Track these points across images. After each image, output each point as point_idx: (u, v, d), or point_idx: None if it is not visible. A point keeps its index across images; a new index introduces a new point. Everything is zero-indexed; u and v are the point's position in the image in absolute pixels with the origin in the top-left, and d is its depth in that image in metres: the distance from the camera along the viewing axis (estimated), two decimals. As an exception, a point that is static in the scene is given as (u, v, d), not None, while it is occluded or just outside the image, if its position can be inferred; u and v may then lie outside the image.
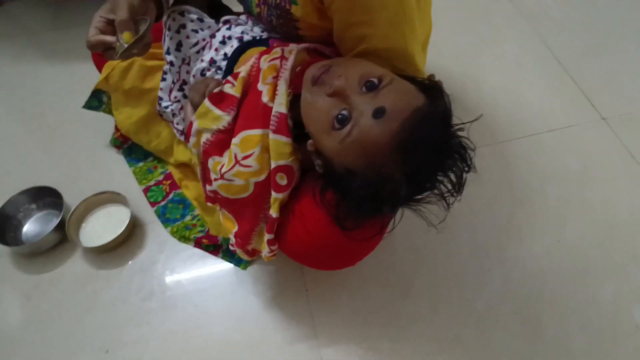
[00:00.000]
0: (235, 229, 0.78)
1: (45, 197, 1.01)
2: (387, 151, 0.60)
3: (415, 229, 0.95)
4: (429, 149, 0.60)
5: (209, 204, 0.83)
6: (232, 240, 0.80)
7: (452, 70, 1.24)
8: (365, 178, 0.62)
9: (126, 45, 0.69)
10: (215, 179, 0.74)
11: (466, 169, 0.66)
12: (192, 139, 0.77)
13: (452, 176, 0.65)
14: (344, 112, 0.62)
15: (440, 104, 0.65)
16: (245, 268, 0.93)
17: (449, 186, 0.66)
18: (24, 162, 1.12)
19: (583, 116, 1.13)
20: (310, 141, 0.68)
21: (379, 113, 0.60)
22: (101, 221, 0.99)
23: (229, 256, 0.95)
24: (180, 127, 0.92)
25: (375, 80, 0.62)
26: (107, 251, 0.96)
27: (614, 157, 1.05)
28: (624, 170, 1.03)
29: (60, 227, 0.95)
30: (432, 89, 0.67)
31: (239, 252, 0.82)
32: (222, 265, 0.94)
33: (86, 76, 0.92)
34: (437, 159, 0.62)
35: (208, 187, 0.78)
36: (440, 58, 1.24)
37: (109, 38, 0.70)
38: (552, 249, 0.93)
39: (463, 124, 0.68)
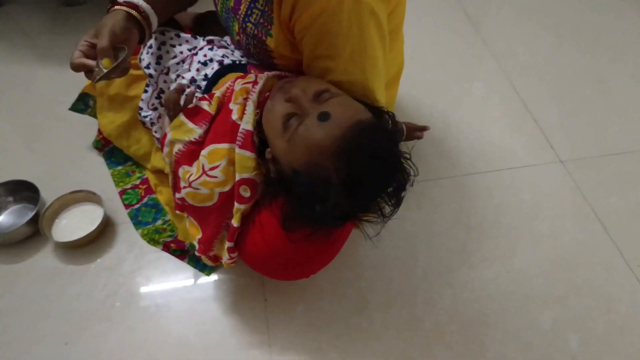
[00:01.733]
0: (199, 235, 0.83)
1: (23, 191, 1.05)
2: (327, 153, 0.66)
3: (374, 246, 1.01)
4: (367, 157, 0.66)
5: (177, 211, 0.88)
6: (196, 246, 0.84)
7: (422, 101, 1.31)
8: (306, 178, 0.68)
9: (105, 71, 0.76)
10: (184, 187, 0.79)
11: (403, 184, 0.72)
12: (166, 149, 0.83)
13: (391, 190, 0.71)
14: (293, 115, 0.70)
15: (384, 122, 0.73)
16: (209, 274, 0.97)
17: (388, 201, 0.72)
18: (6, 156, 1.16)
19: (542, 156, 1.20)
20: (268, 149, 0.74)
21: (323, 116, 0.67)
22: (75, 218, 1.03)
23: (194, 262, 0.99)
24: (157, 135, 0.97)
25: (327, 94, 0.71)
26: (78, 247, 1.00)
27: (566, 195, 1.12)
28: (573, 208, 1.10)
29: (34, 220, 0.99)
30: (380, 112, 0.74)
31: (202, 257, 0.86)
32: (187, 270, 0.98)
33: (76, 80, 0.98)
34: (375, 168, 0.67)
35: (177, 195, 0.83)
36: (412, 89, 1.32)
37: (90, 62, 0.77)
38: (500, 276, 0.98)
39: (407, 153, 0.75)
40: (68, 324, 0.90)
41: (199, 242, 0.84)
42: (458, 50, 1.50)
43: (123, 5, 0.81)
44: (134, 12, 0.81)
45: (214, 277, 0.97)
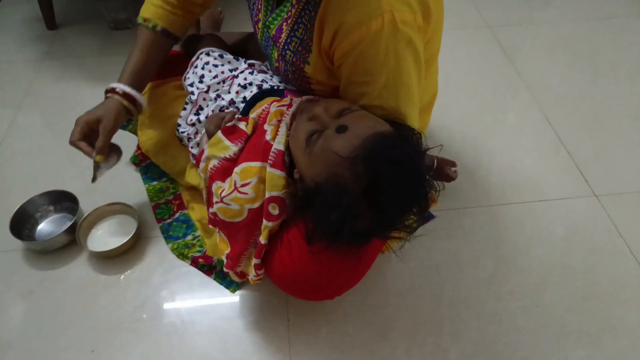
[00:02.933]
0: (228, 250, 0.85)
1: (63, 201, 1.10)
2: (345, 162, 0.66)
3: (402, 272, 1.00)
4: (386, 163, 0.65)
5: (210, 226, 0.90)
6: (225, 261, 0.86)
7: (454, 130, 1.32)
8: (327, 188, 0.68)
9: (100, 167, 0.95)
10: (216, 202, 0.81)
11: (426, 197, 0.71)
12: (202, 164, 0.85)
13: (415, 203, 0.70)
14: (317, 131, 0.72)
15: (406, 135, 0.73)
16: (234, 291, 0.98)
17: (412, 214, 0.71)
18: (50, 168, 1.22)
19: (575, 190, 1.18)
20: (296, 169, 0.76)
21: (341, 128, 0.69)
22: (109, 229, 1.06)
23: (221, 278, 1.00)
24: (194, 151, 1.00)
25: (348, 111, 0.73)
26: (110, 258, 1.03)
27: (600, 230, 1.09)
28: (608, 244, 1.06)
29: (72, 230, 1.03)
30: (404, 126, 0.76)
31: (230, 273, 0.88)
32: (212, 286, 1.00)
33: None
34: (395, 174, 0.65)
35: (210, 210, 0.85)
36: (444, 118, 1.33)
37: (86, 150, 0.91)
38: (530, 309, 0.96)
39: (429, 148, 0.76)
40: (96, 332, 0.92)
41: (228, 257, 0.85)
42: (492, 81, 1.50)
43: (123, 98, 0.93)
44: (130, 107, 0.94)
45: (238, 294, 0.98)
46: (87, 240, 1.04)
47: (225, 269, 0.87)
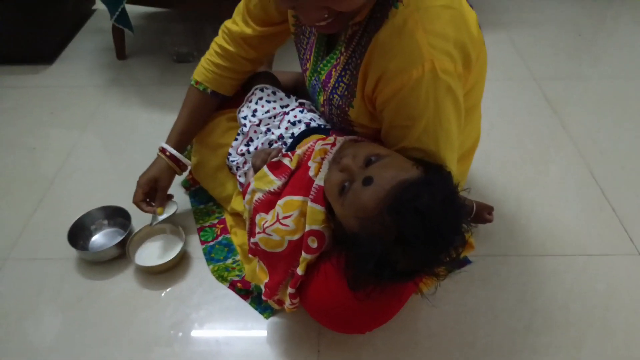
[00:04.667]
0: (267, 280, 0.89)
1: (117, 216, 1.17)
2: (375, 213, 0.69)
3: (435, 314, 1.00)
4: (411, 213, 0.67)
5: (250, 255, 0.94)
6: (263, 289, 0.90)
7: (495, 178, 1.32)
8: (362, 240, 0.71)
9: (159, 218, 1.10)
10: (258, 232, 0.86)
11: (459, 240, 0.72)
12: (247, 197, 0.91)
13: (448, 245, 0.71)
14: (346, 183, 0.74)
15: (435, 180, 0.72)
16: (268, 317, 1.01)
17: (445, 258, 0.72)
18: (108, 185, 1.31)
19: (619, 247, 1.15)
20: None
21: (367, 181, 0.71)
22: (157, 247, 1.12)
23: (256, 304, 1.03)
24: (241, 180, 1.06)
25: (374, 158, 0.75)
26: (155, 274, 1.08)
27: (645, 290, 1.06)
28: (653, 305, 1.03)
29: (122, 244, 1.10)
30: (435, 169, 0.76)
31: (269, 301, 0.91)
32: (248, 311, 1.02)
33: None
34: (420, 222, 0.67)
35: (252, 240, 0.89)
36: (486, 165, 1.34)
37: (148, 209, 1.09)
38: (566, 366, 0.93)
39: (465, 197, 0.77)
40: (134, 344, 0.96)
41: (266, 286, 0.89)
42: (536, 132, 1.51)
43: (170, 160, 1.09)
44: (175, 168, 1.10)
45: (272, 320, 1.01)
46: (135, 255, 1.10)
47: (263, 297, 0.90)
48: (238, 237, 1.14)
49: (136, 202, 1.09)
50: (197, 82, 1.09)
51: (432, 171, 0.75)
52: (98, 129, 1.54)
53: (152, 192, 1.10)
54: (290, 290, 0.85)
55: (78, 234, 1.13)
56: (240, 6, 1.03)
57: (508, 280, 1.08)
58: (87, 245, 1.14)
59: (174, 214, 1.12)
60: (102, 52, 1.94)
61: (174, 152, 1.09)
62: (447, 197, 0.71)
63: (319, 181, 0.82)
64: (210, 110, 1.13)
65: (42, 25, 1.80)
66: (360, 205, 0.71)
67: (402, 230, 0.67)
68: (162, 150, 1.09)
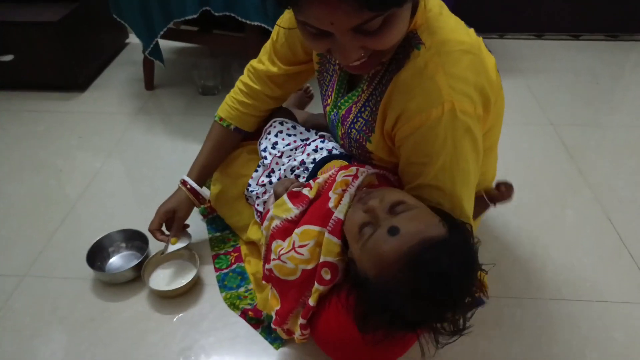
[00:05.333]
0: (278, 307, 0.89)
1: (135, 240, 1.20)
2: (393, 267, 0.70)
3: (445, 355, 0.98)
4: (429, 274, 0.68)
5: (264, 282, 0.95)
6: (273, 317, 0.90)
7: (510, 220, 1.32)
8: (375, 286, 0.72)
9: (171, 248, 1.12)
10: (274, 259, 0.87)
11: (471, 304, 0.72)
12: (266, 223, 0.92)
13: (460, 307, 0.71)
14: (368, 225, 0.75)
15: (458, 241, 0.73)
16: (277, 348, 1.00)
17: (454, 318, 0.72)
18: (128, 209, 1.35)
19: (638, 295, 1.13)
20: (350, 250, 0.80)
21: (393, 230, 0.71)
22: (171, 272, 1.14)
23: (266, 333, 1.03)
24: (260, 209, 1.08)
25: (402, 206, 0.75)
26: (167, 298, 1.09)
27: (665, 342, 1.03)
28: (674, 358, 1.00)
29: (138, 267, 1.12)
30: (458, 227, 0.76)
31: (278, 330, 0.91)
32: (258, 340, 1.02)
33: (195, 154, 1.16)
34: (437, 286, 0.68)
35: (266, 266, 0.90)
36: (502, 206, 1.34)
37: (162, 239, 1.12)
38: (581, 417, 0.90)
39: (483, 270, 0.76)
40: (143, 367, 0.97)
41: (277, 313, 0.89)
42: (552, 176, 1.51)
43: (190, 193, 1.11)
44: (195, 202, 1.13)
45: (282, 351, 1.00)
46: (149, 278, 1.12)
47: (273, 325, 0.91)
48: (252, 266, 1.15)
49: (151, 230, 1.11)
50: (220, 119, 1.13)
51: (456, 230, 0.75)
52: (123, 155, 1.60)
53: (169, 221, 1.13)
54: (301, 320, 0.85)
55: (96, 255, 1.16)
56: (267, 45, 1.08)
57: (522, 323, 1.06)
58: (104, 266, 1.16)
59: (187, 245, 1.14)
60: (132, 82, 2.03)
61: (194, 185, 1.12)
62: (466, 260, 0.72)
63: (338, 213, 0.83)
64: (233, 146, 1.17)
65: (79, 56, 1.91)
66: (381, 253, 0.71)
67: (417, 287, 0.68)
68: (184, 182, 1.12)
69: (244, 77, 1.12)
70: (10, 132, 1.72)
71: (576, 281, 1.16)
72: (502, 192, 0.97)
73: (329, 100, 1.01)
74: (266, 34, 1.21)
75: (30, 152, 1.61)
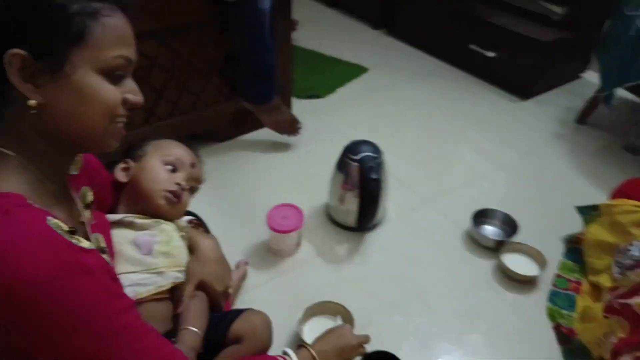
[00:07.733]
0: (623, 335, 1.04)
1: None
2: None
3: None
4: None
5: (605, 314, 1.11)
6: (612, 343, 1.05)
7: None
8: None
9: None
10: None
11: None
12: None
13: None
14: None
15: None
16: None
17: None
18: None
19: None
20: None
21: None
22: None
23: (569, 356, 1.19)
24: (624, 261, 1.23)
25: None
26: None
27: None
28: None
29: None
30: None
31: (601, 349, 1.08)
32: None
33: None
34: None
35: (623, 300, 1.06)
36: None
37: None
38: None
39: None
40: None
41: (621, 339, 1.03)
42: None
43: None
44: None
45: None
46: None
47: (613, 346, 1.04)
48: (584, 300, 1.32)
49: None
50: None
51: None
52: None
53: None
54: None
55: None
56: None
57: None
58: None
59: None
60: (568, 110, 2.24)
61: None
62: None
63: None
64: None
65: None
66: None
67: None
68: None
69: None
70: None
71: None
72: None
73: None
74: None
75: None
